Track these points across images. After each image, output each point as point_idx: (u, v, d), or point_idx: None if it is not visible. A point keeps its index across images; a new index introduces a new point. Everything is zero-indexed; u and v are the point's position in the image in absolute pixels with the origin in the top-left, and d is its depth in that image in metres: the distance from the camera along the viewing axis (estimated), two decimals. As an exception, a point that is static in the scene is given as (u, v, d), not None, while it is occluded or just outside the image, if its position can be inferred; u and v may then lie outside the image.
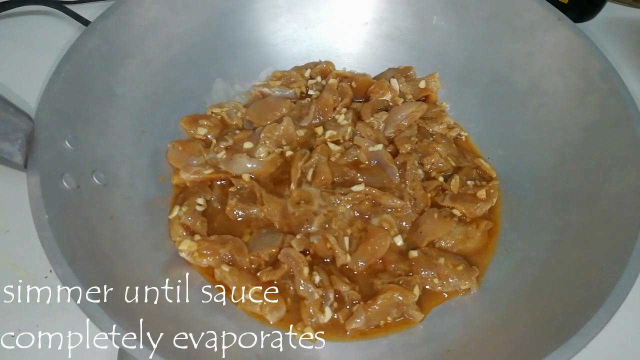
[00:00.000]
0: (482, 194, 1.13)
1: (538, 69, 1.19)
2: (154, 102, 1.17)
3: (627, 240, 0.91)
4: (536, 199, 1.14)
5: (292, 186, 1.14)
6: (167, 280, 0.98)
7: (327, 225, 1.10)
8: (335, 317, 1.01)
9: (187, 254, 1.05)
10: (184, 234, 1.07)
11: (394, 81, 1.31)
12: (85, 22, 1.35)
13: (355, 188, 1.13)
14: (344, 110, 1.27)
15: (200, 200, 1.11)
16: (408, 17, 1.33)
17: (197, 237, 1.06)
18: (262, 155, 1.18)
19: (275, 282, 1.04)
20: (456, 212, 1.13)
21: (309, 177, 1.15)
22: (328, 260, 1.08)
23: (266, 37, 1.33)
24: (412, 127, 1.24)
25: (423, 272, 1.05)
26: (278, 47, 1.35)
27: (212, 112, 1.25)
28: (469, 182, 1.17)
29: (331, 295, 1.02)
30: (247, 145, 1.18)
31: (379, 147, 1.18)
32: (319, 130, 1.23)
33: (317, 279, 1.03)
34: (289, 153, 1.19)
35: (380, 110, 1.28)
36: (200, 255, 1.04)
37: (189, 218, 1.08)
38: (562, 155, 1.12)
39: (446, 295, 1.05)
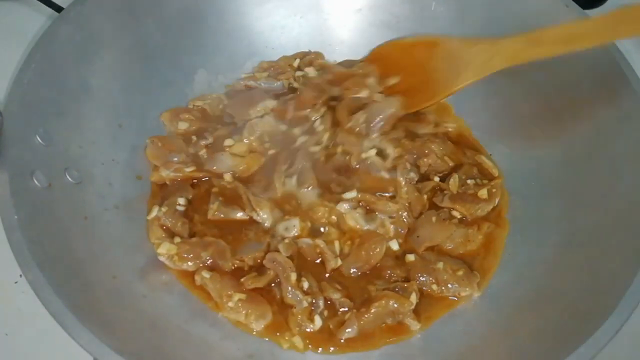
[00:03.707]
0: (483, 193, 1.13)
1: (544, 60, 1.19)
2: (132, 94, 1.17)
3: (639, 242, 0.91)
4: (542, 198, 1.14)
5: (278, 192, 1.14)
6: (146, 285, 0.99)
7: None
8: (327, 326, 1.01)
9: (166, 257, 1.04)
10: (164, 236, 1.06)
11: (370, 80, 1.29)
12: (58, 9, 1.34)
13: (347, 195, 1.13)
14: (322, 110, 1.25)
15: (181, 200, 1.11)
16: (405, 3, 1.32)
17: (177, 239, 1.06)
18: (243, 153, 1.18)
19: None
20: (456, 213, 1.13)
21: (293, 182, 1.15)
22: (318, 261, 1.08)
23: (252, 25, 1.32)
24: (397, 128, 1.23)
25: (421, 278, 1.05)
26: (265, 35, 1.34)
27: (194, 105, 1.25)
28: (469, 181, 1.16)
29: (321, 303, 1.02)
30: (228, 142, 1.18)
31: (372, 153, 1.18)
32: (297, 132, 1.23)
33: (305, 285, 1.03)
34: (271, 151, 1.19)
35: (358, 110, 1.25)
36: (180, 259, 1.04)
37: (169, 219, 1.08)
38: (570, 152, 1.12)
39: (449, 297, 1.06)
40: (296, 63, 1.33)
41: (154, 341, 0.89)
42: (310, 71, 1.32)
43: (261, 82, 1.29)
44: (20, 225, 0.85)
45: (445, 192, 1.15)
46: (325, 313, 1.02)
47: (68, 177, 1.00)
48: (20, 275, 1.03)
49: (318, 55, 1.35)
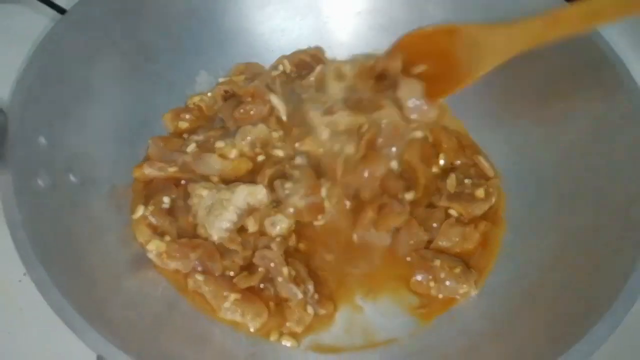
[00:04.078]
0: (480, 193, 1.13)
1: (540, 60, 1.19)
2: (134, 95, 1.18)
3: (636, 242, 0.92)
4: (540, 198, 1.14)
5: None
6: (150, 285, 0.99)
7: None
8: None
9: (155, 254, 1.03)
10: (152, 234, 1.05)
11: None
12: (61, 10, 1.34)
13: None
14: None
15: (166, 199, 1.10)
16: (403, 7, 1.32)
17: (167, 237, 1.05)
18: (233, 156, 1.16)
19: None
20: (453, 212, 1.14)
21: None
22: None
23: (253, 27, 1.33)
24: None
25: (418, 276, 1.05)
26: (265, 37, 1.34)
27: (193, 104, 1.25)
28: (466, 181, 1.17)
29: (310, 287, 1.04)
30: (219, 144, 1.16)
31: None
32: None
33: (292, 273, 1.04)
34: (261, 158, 1.18)
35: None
36: (168, 257, 1.03)
37: (157, 218, 1.07)
38: (568, 152, 1.13)
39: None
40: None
41: (158, 340, 0.90)
42: (285, 65, 1.31)
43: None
44: (25, 224, 0.86)
45: (443, 191, 1.16)
46: (316, 297, 1.04)
47: (71, 177, 1.00)
48: (24, 274, 1.03)
49: (317, 50, 1.35)
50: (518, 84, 1.22)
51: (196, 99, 1.25)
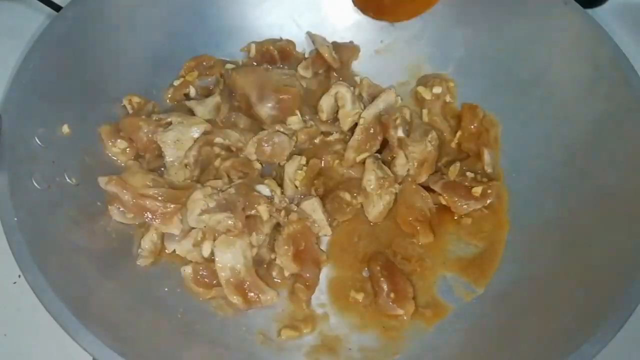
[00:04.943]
0: (477, 190, 1.11)
1: (543, 57, 1.19)
2: (130, 95, 1.17)
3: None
4: (543, 197, 1.13)
5: None
6: (147, 286, 0.98)
7: None
8: None
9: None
10: None
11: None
12: (57, 8, 1.34)
13: None
14: None
15: None
16: (403, 0, 1.31)
17: None
18: None
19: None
20: (442, 201, 1.13)
21: None
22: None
23: (251, 25, 1.31)
24: None
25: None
26: (263, 35, 1.32)
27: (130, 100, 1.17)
28: (468, 174, 1.16)
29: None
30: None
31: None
32: None
33: None
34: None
35: None
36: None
37: None
38: (571, 150, 1.12)
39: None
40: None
41: (155, 342, 0.90)
42: (252, 50, 1.29)
43: (196, 86, 1.23)
44: (20, 226, 0.85)
45: (444, 176, 1.15)
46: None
47: (67, 178, 1.00)
48: (19, 276, 1.03)
49: (288, 43, 1.32)
50: (521, 84, 1.22)
51: (136, 100, 1.17)
